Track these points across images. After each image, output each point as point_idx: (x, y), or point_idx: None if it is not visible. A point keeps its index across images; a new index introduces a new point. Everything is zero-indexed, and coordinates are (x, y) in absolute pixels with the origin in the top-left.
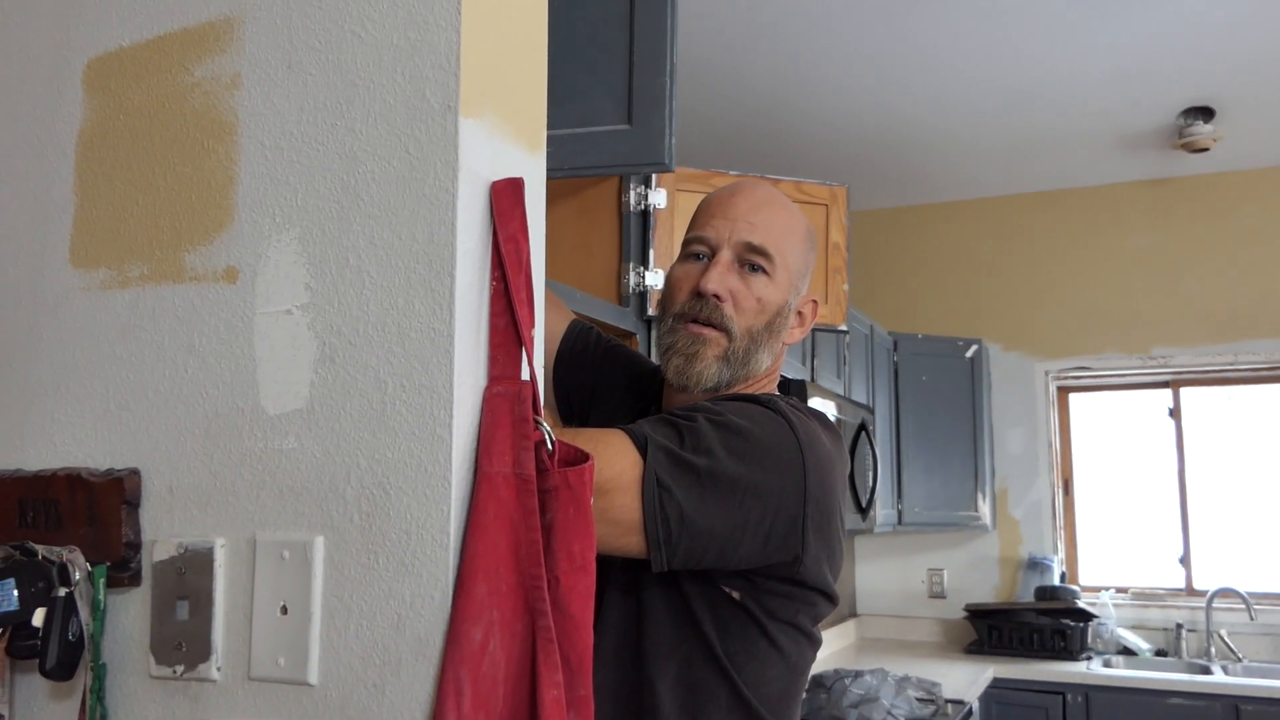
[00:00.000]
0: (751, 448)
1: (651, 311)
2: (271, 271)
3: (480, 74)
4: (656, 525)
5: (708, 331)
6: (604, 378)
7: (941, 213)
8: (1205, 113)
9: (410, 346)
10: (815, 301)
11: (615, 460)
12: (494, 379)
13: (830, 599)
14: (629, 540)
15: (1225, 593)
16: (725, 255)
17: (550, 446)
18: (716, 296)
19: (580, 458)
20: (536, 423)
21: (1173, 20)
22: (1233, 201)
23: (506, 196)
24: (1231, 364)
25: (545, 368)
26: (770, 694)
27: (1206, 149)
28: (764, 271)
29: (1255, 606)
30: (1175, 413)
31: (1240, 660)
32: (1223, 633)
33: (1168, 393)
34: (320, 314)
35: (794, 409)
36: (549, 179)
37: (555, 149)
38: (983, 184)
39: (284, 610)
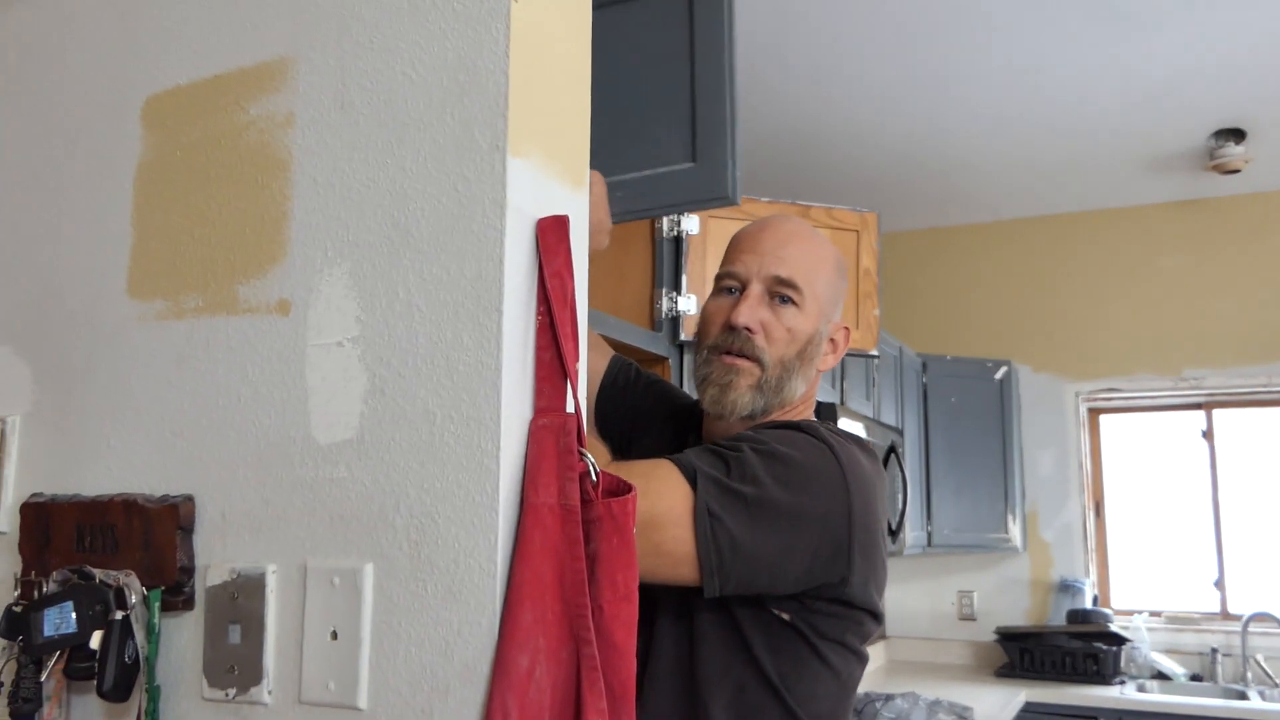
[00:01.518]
0: (796, 474)
1: (684, 336)
2: (323, 304)
3: (527, 115)
4: (710, 555)
5: (741, 362)
6: (644, 412)
7: (972, 234)
8: (1236, 134)
9: (458, 379)
10: (847, 329)
11: (666, 493)
12: (539, 411)
13: (876, 618)
14: (682, 570)
15: (1261, 617)
16: (755, 289)
17: (594, 478)
18: (748, 329)
19: (623, 489)
20: (581, 454)
21: (1201, 42)
22: (1265, 223)
23: (552, 233)
24: (1265, 385)
25: (588, 401)
26: (821, 711)
27: (1238, 170)
28: (793, 303)
29: None
30: (1208, 435)
31: (1278, 685)
32: (1259, 657)
33: (1201, 414)
34: (370, 346)
35: (833, 433)
36: (619, 223)
37: (624, 192)
38: (1013, 206)
39: (334, 635)
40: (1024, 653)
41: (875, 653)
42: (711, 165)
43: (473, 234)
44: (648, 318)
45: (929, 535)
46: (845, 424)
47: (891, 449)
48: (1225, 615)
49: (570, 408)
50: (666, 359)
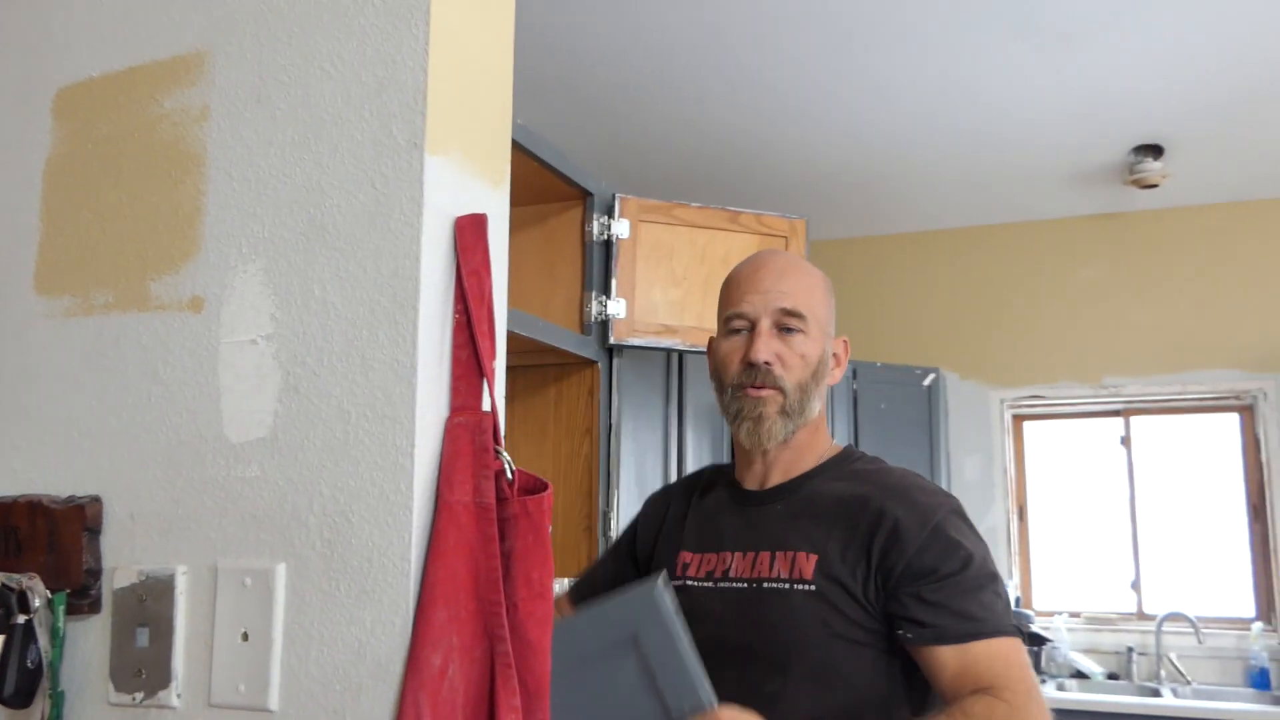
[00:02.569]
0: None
1: (614, 339)
2: (237, 301)
3: (446, 112)
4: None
5: (765, 393)
6: (643, 531)
7: (901, 244)
8: (1155, 150)
9: (374, 377)
10: (845, 340)
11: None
12: (456, 409)
13: None
14: None
15: (1174, 617)
16: (765, 324)
17: (510, 475)
18: (767, 363)
19: (539, 486)
20: (497, 452)
21: (1123, 61)
22: (1181, 237)
23: (470, 231)
24: (1180, 394)
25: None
26: None
27: (1156, 185)
28: (801, 331)
29: (1203, 630)
30: (1126, 441)
31: (1189, 683)
32: (1172, 656)
33: (1119, 421)
34: (284, 344)
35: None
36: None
37: None
38: (941, 216)
39: (245, 637)
40: None
41: None
42: None
43: (390, 231)
44: (577, 321)
45: None
46: None
47: None
48: (1141, 616)
49: (487, 406)
50: (596, 362)
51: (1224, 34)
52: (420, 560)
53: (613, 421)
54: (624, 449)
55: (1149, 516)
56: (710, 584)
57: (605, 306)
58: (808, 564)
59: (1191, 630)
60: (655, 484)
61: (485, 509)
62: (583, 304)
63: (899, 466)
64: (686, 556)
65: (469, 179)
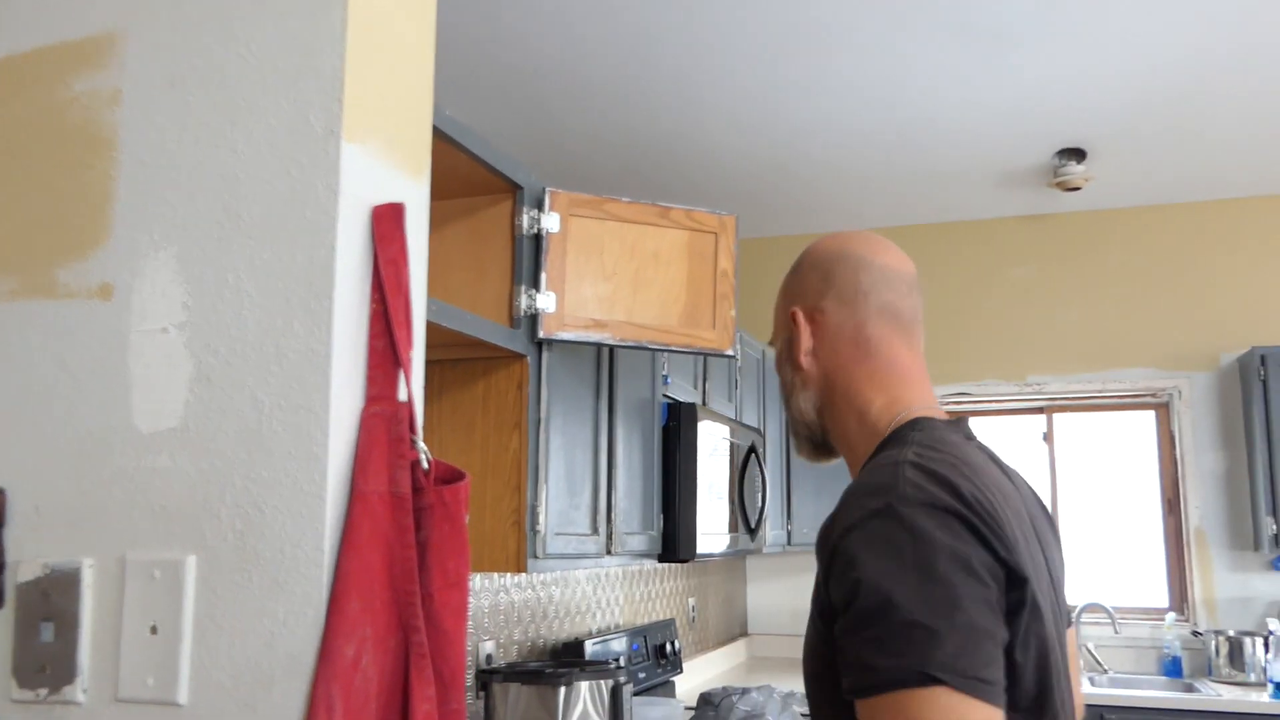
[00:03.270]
0: None
1: (543, 334)
2: (148, 289)
3: (365, 100)
4: None
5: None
6: None
7: None
8: (1078, 154)
9: (288, 366)
10: (793, 310)
11: None
12: (371, 399)
13: None
14: None
15: (1092, 607)
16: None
17: (426, 465)
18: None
19: (456, 476)
20: (413, 442)
21: (1047, 65)
22: (1102, 239)
23: (387, 221)
24: (1100, 391)
25: None
26: None
27: (1079, 188)
28: (772, 344)
29: (1119, 620)
30: (1048, 437)
31: (1106, 671)
32: (1090, 645)
33: (1042, 418)
34: (197, 333)
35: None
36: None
37: None
38: (872, 215)
39: (154, 630)
40: None
41: (737, 649)
42: None
43: (305, 220)
44: (507, 315)
45: (789, 534)
46: (707, 425)
47: (752, 449)
48: None
49: (403, 396)
50: (525, 356)
51: (1145, 41)
52: (334, 551)
53: (542, 416)
54: (553, 443)
55: (1069, 510)
56: None
57: (535, 300)
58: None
59: (1108, 620)
60: (586, 479)
61: (401, 499)
62: (512, 298)
63: (893, 451)
64: None
65: (388, 168)
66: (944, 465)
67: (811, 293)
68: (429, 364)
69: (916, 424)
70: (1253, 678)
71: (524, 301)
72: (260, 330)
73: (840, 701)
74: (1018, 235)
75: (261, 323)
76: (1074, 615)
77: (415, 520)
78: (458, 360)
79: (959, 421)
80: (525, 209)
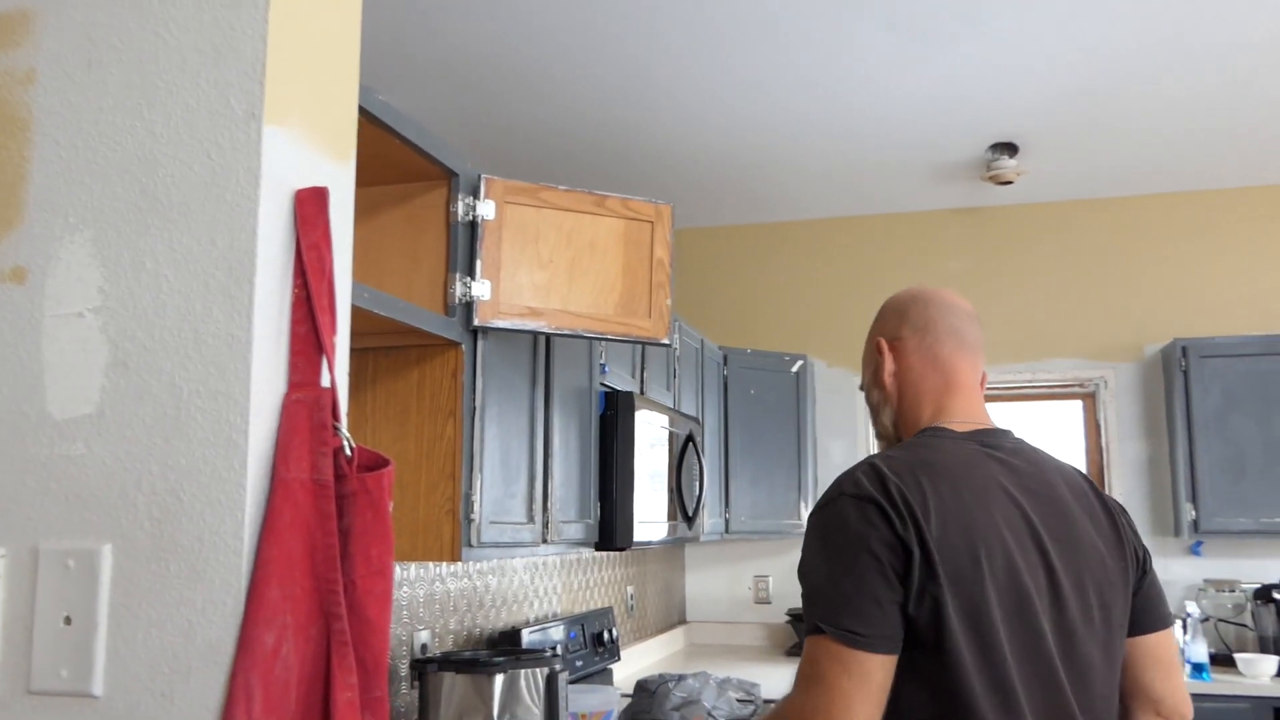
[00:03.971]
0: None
1: (478, 322)
2: (63, 273)
3: (287, 82)
4: None
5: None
6: None
7: (771, 233)
8: (1010, 148)
9: (207, 352)
10: (877, 340)
11: None
12: (293, 386)
13: None
14: None
15: None
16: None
17: (349, 453)
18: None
19: (380, 463)
20: (335, 429)
21: (981, 60)
22: (1033, 232)
23: (310, 205)
24: (1030, 381)
25: None
26: None
27: (1011, 182)
28: (863, 389)
29: None
30: None
31: None
32: None
33: None
34: (113, 317)
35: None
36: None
37: None
38: (809, 206)
39: (68, 621)
40: None
41: (674, 637)
42: None
43: (225, 203)
44: (441, 303)
45: (726, 522)
46: (645, 414)
47: (690, 438)
48: None
49: (326, 382)
50: (460, 344)
51: (1075, 37)
52: (254, 539)
53: (477, 404)
54: (488, 432)
55: None
56: None
57: (470, 288)
58: None
59: None
60: (522, 467)
61: (323, 486)
62: (447, 285)
63: (877, 453)
64: None
65: (311, 152)
66: (897, 464)
67: (891, 327)
68: (362, 352)
69: (926, 431)
70: None
71: (459, 289)
72: (179, 315)
73: None
74: (952, 228)
75: (180, 308)
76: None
77: (338, 507)
78: (392, 348)
79: (983, 431)
80: (460, 196)
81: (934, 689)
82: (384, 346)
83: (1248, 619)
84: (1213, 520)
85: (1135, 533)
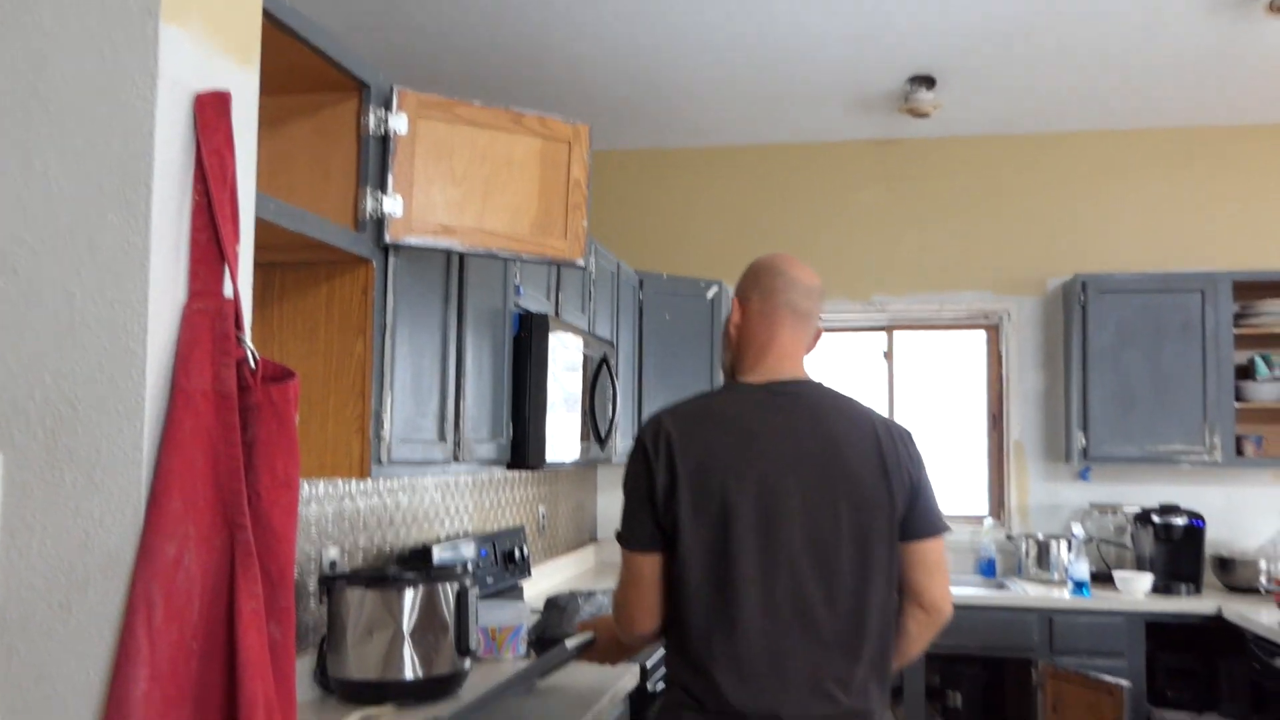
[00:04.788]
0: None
1: (389, 238)
2: None
3: None
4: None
5: None
6: None
7: (687, 158)
8: (928, 81)
9: (102, 259)
10: (740, 299)
11: None
12: (194, 295)
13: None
14: None
15: None
16: None
17: (253, 364)
18: None
19: (284, 375)
20: (239, 340)
21: None
22: (946, 166)
23: (211, 109)
24: (937, 312)
25: None
26: None
27: (927, 115)
28: None
29: None
30: (888, 354)
31: None
32: None
33: (884, 335)
34: (1, 222)
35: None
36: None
37: None
38: (729, 132)
39: None
40: None
41: (585, 555)
42: None
43: (120, 105)
44: (351, 218)
45: None
46: (559, 336)
47: (604, 361)
48: None
49: (229, 293)
50: (370, 261)
51: None
52: (154, 450)
53: (388, 322)
54: (399, 350)
55: (904, 423)
56: None
57: (381, 203)
58: None
59: None
60: (434, 386)
61: (226, 397)
62: (357, 200)
63: (671, 405)
64: None
65: (212, 54)
66: (676, 414)
67: (746, 287)
68: (269, 267)
69: (728, 384)
70: (1056, 576)
71: (369, 204)
72: (71, 220)
73: None
74: (867, 159)
75: (73, 212)
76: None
77: (242, 420)
78: (300, 263)
79: (778, 382)
80: (372, 108)
81: (674, 579)
82: (292, 262)
83: (1128, 540)
84: (1101, 448)
85: (913, 459)
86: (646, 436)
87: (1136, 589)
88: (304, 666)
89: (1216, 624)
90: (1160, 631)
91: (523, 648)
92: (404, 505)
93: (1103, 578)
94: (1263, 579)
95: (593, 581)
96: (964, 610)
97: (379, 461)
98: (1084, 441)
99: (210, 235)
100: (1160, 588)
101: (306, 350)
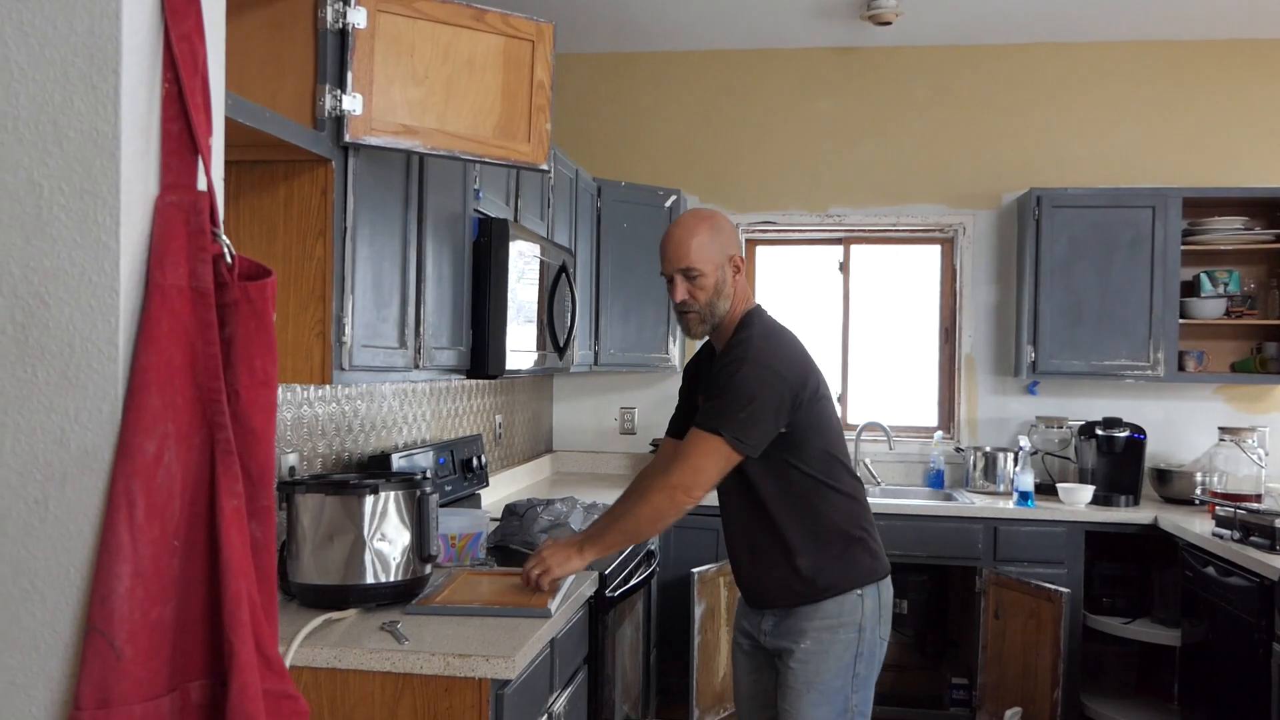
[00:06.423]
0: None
1: (349, 138)
2: None
3: None
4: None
5: (689, 315)
6: (691, 378)
7: (648, 63)
8: None
9: (69, 148)
10: (738, 258)
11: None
12: (167, 187)
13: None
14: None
15: (871, 426)
16: (677, 279)
17: (230, 260)
18: (682, 300)
19: (262, 272)
20: (215, 235)
21: None
22: (907, 76)
23: None
24: (894, 225)
25: None
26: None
27: (889, 23)
28: (699, 276)
29: (894, 438)
30: (844, 267)
31: (879, 484)
32: (868, 460)
33: (839, 248)
34: None
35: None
36: None
37: None
38: (689, 36)
39: None
40: None
41: (541, 465)
42: None
43: None
44: (310, 116)
45: (596, 354)
46: (519, 244)
47: (562, 269)
48: (845, 425)
49: (203, 185)
50: (330, 161)
51: None
52: (129, 346)
53: (348, 224)
54: (360, 254)
55: (859, 336)
56: None
57: (340, 101)
58: None
59: (885, 438)
60: (394, 291)
61: (202, 294)
62: (315, 98)
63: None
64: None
65: None
66: (789, 334)
67: (736, 246)
68: (225, 165)
69: (757, 310)
70: (1002, 488)
71: (328, 102)
72: (35, 106)
73: None
74: (827, 68)
75: (36, 98)
76: (857, 432)
77: (219, 317)
78: (256, 162)
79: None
80: (330, 1)
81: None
82: (249, 160)
83: (1071, 453)
84: (1049, 362)
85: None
86: (790, 352)
87: (1078, 500)
88: None
89: (1152, 533)
90: (1099, 540)
91: (482, 554)
92: (362, 412)
93: (1046, 489)
94: (1198, 491)
95: (549, 491)
96: (912, 520)
97: (341, 368)
98: (1033, 355)
99: (182, 125)
100: (1100, 499)
101: (264, 253)
